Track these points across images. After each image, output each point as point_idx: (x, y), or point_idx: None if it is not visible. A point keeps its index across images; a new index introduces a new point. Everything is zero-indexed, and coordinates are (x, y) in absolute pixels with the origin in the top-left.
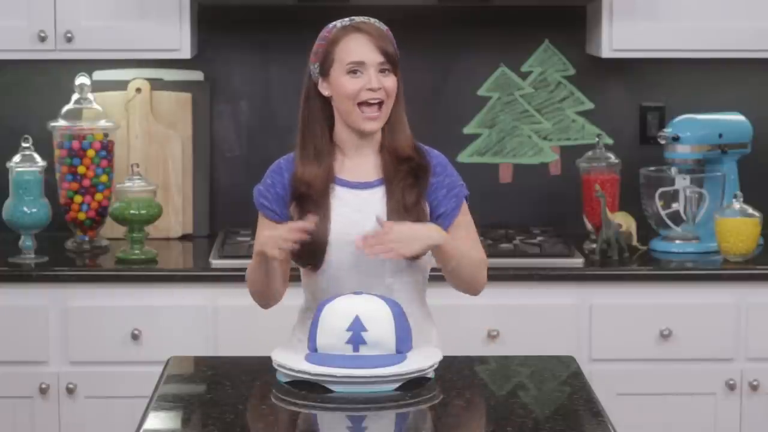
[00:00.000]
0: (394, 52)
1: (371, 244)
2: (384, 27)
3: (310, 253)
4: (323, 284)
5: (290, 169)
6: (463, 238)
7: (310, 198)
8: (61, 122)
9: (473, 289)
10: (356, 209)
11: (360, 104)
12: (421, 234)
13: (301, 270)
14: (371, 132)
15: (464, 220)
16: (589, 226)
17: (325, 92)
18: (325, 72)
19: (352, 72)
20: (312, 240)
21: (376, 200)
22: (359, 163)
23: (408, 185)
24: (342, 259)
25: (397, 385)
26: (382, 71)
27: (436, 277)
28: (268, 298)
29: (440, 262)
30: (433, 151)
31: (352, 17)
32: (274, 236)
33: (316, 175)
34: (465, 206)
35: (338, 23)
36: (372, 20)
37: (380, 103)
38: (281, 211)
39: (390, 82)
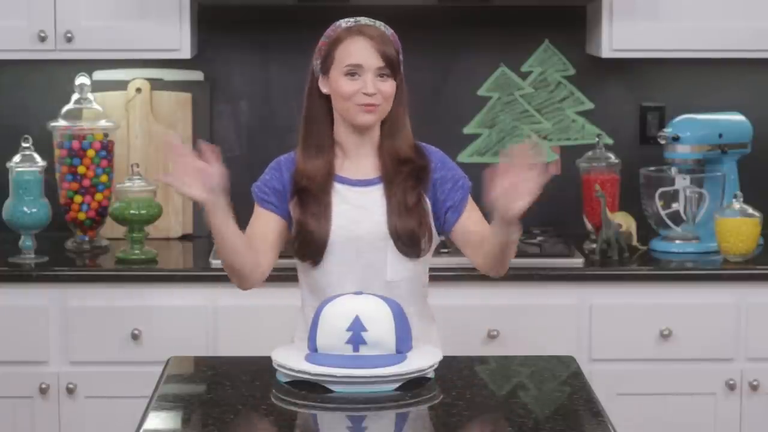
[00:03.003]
0: (396, 56)
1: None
2: (389, 31)
3: (311, 251)
4: (323, 281)
5: (290, 168)
6: (477, 220)
7: (310, 193)
8: (61, 122)
9: (504, 269)
10: (356, 206)
11: (357, 104)
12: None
13: (300, 269)
14: (366, 125)
15: (474, 207)
16: (589, 226)
17: (324, 89)
18: (325, 70)
19: (350, 74)
20: (313, 236)
21: (375, 198)
22: (358, 162)
23: (409, 187)
24: (342, 255)
25: (397, 385)
26: (380, 76)
27: (436, 277)
28: (237, 274)
29: (507, 234)
30: (430, 147)
31: (358, 18)
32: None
33: (318, 167)
34: (470, 198)
35: (343, 23)
36: (377, 23)
37: (377, 106)
38: (278, 203)
39: (388, 86)
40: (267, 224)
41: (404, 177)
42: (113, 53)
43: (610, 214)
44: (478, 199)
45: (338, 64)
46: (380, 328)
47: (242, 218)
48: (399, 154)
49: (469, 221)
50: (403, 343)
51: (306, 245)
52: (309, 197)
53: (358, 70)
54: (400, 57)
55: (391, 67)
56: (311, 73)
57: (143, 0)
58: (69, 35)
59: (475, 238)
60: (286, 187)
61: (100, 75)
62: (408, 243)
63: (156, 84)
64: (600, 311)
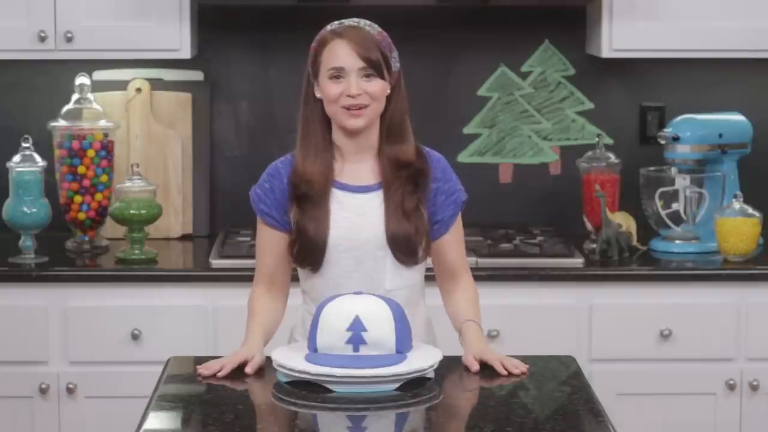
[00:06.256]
0: (380, 57)
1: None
2: (375, 30)
3: (309, 256)
4: (322, 287)
5: (288, 172)
6: (454, 245)
7: (309, 199)
8: (61, 122)
9: None
10: (356, 213)
11: (343, 107)
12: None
13: (300, 271)
14: (354, 129)
15: (457, 225)
16: (589, 226)
17: (318, 94)
18: (315, 74)
19: (335, 77)
20: (311, 242)
21: (375, 205)
22: (358, 167)
23: (408, 192)
24: (341, 262)
25: (397, 385)
26: (366, 76)
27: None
28: None
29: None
30: (434, 153)
31: (342, 21)
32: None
33: (317, 172)
34: (460, 215)
35: (329, 26)
36: (362, 24)
37: (364, 107)
38: (280, 218)
39: (375, 86)
40: (279, 251)
41: (403, 181)
42: (113, 53)
43: (610, 214)
44: (472, 202)
45: (324, 67)
46: (380, 328)
47: (244, 219)
48: (399, 158)
49: (448, 246)
50: (403, 343)
51: (304, 250)
52: (308, 202)
53: (341, 72)
54: (393, 55)
55: (374, 68)
56: (306, 78)
57: (143, 0)
58: (69, 35)
59: (444, 270)
60: (286, 195)
61: (100, 75)
62: (404, 250)
63: (156, 84)
64: (600, 311)
